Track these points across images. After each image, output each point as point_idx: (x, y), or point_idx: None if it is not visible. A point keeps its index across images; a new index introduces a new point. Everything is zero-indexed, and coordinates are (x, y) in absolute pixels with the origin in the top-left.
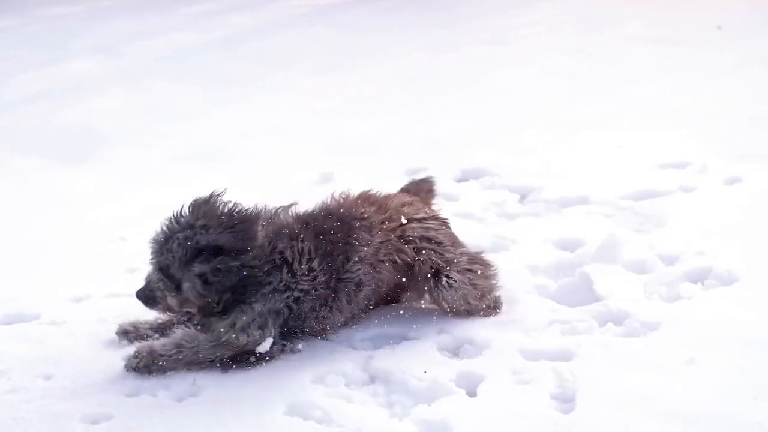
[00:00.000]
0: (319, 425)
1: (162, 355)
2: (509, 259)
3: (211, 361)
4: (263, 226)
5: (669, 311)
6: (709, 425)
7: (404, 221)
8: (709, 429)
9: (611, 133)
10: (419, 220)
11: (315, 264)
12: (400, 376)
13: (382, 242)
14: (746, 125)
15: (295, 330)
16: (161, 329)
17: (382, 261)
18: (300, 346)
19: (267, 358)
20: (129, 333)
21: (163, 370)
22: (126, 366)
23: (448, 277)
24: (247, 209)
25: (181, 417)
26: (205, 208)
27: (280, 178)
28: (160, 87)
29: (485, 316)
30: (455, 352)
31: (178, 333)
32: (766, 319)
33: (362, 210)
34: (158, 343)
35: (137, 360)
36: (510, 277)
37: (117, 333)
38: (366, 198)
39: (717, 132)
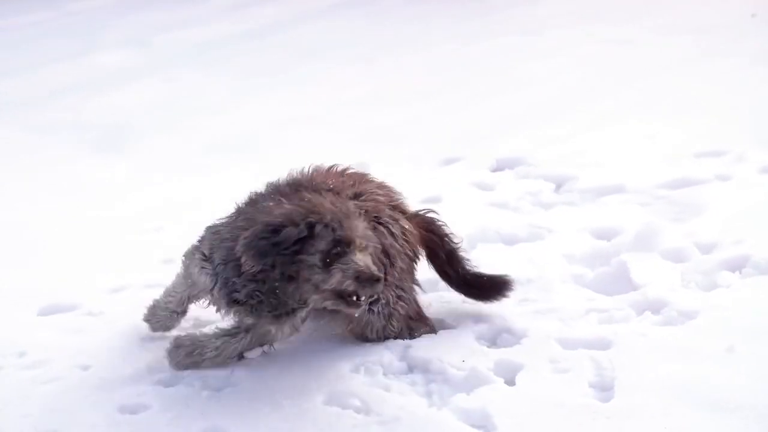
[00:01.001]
0: (358, 414)
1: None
2: (545, 248)
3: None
4: None
5: (706, 300)
6: (747, 414)
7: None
8: (747, 418)
9: (647, 122)
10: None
11: None
12: (438, 365)
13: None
14: None
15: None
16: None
17: None
18: None
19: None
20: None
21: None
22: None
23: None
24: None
25: (218, 407)
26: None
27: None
28: (190, 78)
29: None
30: (493, 341)
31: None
32: None
33: (330, 182)
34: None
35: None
36: (546, 266)
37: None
38: (340, 173)
39: (753, 120)
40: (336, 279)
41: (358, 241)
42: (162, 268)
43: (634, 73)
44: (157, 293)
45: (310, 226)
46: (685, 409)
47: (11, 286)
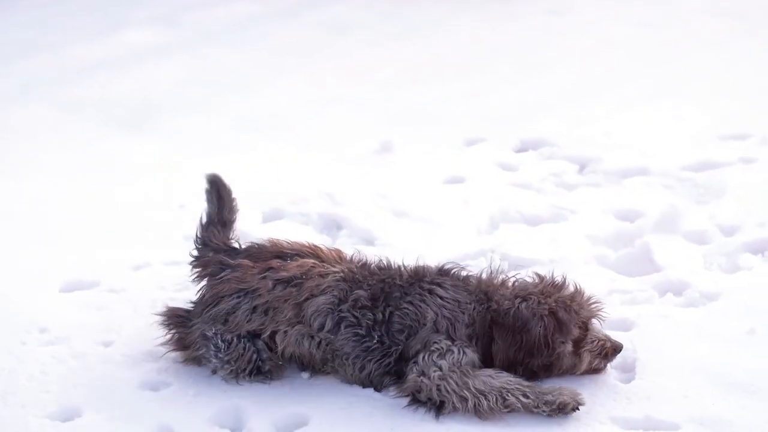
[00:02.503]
0: None
1: None
2: (568, 229)
3: None
4: None
5: (729, 282)
6: None
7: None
8: (767, 400)
9: (671, 104)
10: None
11: None
12: None
13: None
14: None
15: None
16: None
17: None
18: None
19: None
20: None
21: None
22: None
23: None
24: None
25: (239, 386)
26: None
27: (340, 148)
28: (219, 56)
29: None
30: None
31: None
32: None
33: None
34: None
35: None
36: (569, 247)
37: None
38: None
39: None
40: (586, 362)
41: (592, 315)
42: (183, 245)
43: (660, 56)
44: (178, 271)
45: (554, 313)
46: (705, 391)
47: (33, 262)
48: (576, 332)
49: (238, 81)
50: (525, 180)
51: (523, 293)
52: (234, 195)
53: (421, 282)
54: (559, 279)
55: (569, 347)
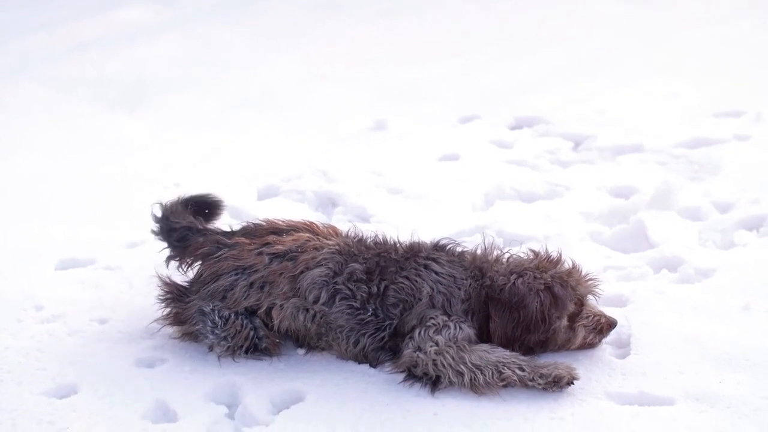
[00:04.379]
0: None
1: None
2: (563, 205)
3: None
4: None
5: (723, 258)
6: (763, 371)
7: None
8: (762, 374)
9: (665, 82)
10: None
11: None
12: None
13: None
14: None
15: None
16: None
17: None
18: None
19: None
20: None
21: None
22: None
23: None
24: None
25: (233, 362)
26: None
27: (334, 125)
28: (213, 35)
29: None
30: None
31: None
32: None
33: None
34: None
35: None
36: (564, 223)
37: None
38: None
39: None
40: (581, 336)
41: (589, 291)
42: None
43: (654, 34)
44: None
45: (550, 289)
46: (700, 366)
47: (28, 240)
48: (571, 307)
49: (231, 59)
50: (520, 157)
51: (519, 269)
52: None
53: (417, 257)
54: (554, 255)
55: (564, 322)
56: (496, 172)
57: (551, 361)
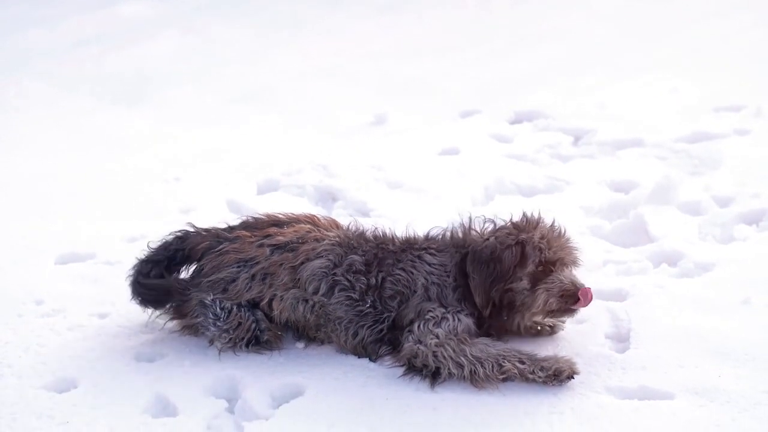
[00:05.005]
0: None
1: None
2: (563, 200)
3: None
4: None
5: (723, 252)
6: (763, 365)
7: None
8: (762, 368)
9: (665, 76)
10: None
11: None
12: None
13: None
14: None
15: None
16: None
17: None
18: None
19: None
20: None
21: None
22: None
23: None
24: None
25: (233, 356)
26: None
27: (334, 120)
28: (213, 30)
29: None
30: None
31: None
32: None
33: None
34: None
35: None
36: (564, 218)
37: None
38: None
39: None
40: (541, 300)
41: (565, 258)
42: (179, 218)
43: (654, 29)
44: None
45: (522, 245)
46: (700, 360)
47: (29, 235)
48: (531, 267)
49: (232, 55)
50: (520, 151)
51: (495, 232)
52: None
53: (412, 249)
54: (536, 217)
55: (525, 284)
56: (496, 166)
57: (552, 355)
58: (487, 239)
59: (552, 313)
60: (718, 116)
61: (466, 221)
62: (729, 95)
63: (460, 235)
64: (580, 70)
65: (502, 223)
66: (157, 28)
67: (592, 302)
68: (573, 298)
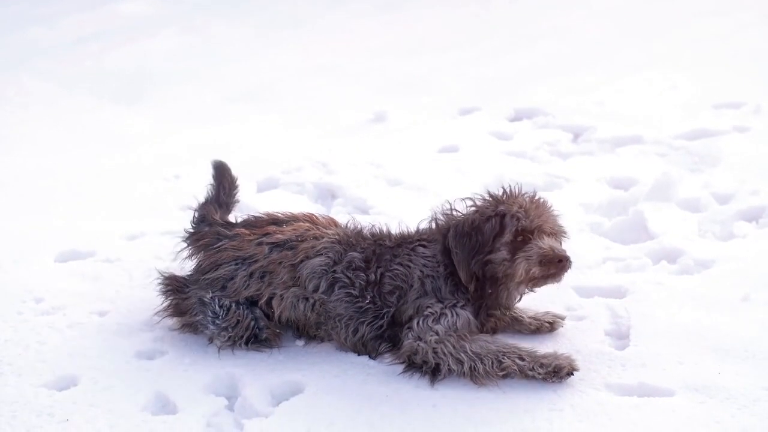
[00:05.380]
0: None
1: None
2: (563, 197)
3: None
4: None
5: (723, 249)
6: (762, 362)
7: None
8: (761, 365)
9: (664, 73)
10: None
11: None
12: None
13: None
14: None
15: None
16: None
17: None
18: None
19: None
20: None
21: None
22: None
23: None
24: None
25: (232, 354)
26: None
27: (334, 118)
28: (212, 28)
29: None
30: None
31: None
32: None
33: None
34: None
35: None
36: (564, 215)
37: None
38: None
39: None
40: (522, 268)
41: (544, 226)
42: (178, 216)
43: (652, 26)
44: (173, 240)
45: (501, 216)
46: (699, 357)
47: (28, 232)
48: (509, 237)
49: (231, 52)
50: (519, 149)
51: (475, 207)
52: (237, 183)
53: (407, 243)
54: (516, 189)
55: (504, 254)
56: (496, 163)
57: (551, 352)
58: (467, 214)
59: (535, 281)
60: (718, 113)
61: (447, 206)
62: (728, 92)
63: (444, 220)
64: (580, 68)
65: (482, 199)
66: (157, 27)
67: (571, 266)
68: (553, 263)
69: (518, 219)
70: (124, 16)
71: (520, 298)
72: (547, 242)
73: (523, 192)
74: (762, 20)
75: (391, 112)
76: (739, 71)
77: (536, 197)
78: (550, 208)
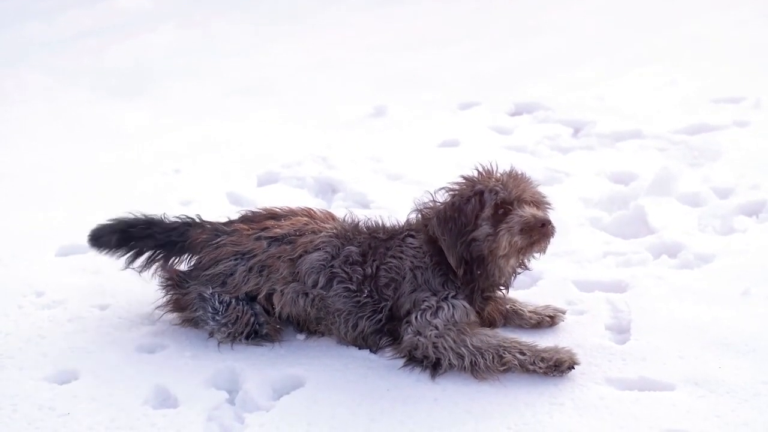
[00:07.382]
0: None
1: None
2: (563, 191)
3: None
4: None
5: (723, 244)
6: (762, 356)
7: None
8: (762, 359)
9: (664, 68)
10: None
11: None
12: None
13: None
14: None
15: None
16: None
17: None
18: None
19: None
20: None
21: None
22: None
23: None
24: None
25: (232, 349)
26: None
27: (333, 112)
28: (212, 23)
29: None
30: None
31: None
32: None
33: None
34: None
35: None
36: (564, 209)
37: None
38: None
39: None
40: (505, 240)
41: (524, 196)
42: (179, 210)
43: (652, 21)
44: None
45: (480, 194)
46: (699, 352)
47: (29, 227)
48: (489, 212)
49: (231, 47)
50: (519, 143)
51: (453, 191)
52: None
53: (397, 235)
54: (492, 166)
55: (486, 229)
56: (496, 158)
57: (552, 346)
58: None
59: (522, 250)
60: (718, 108)
61: (428, 197)
62: (728, 87)
63: (426, 210)
64: (580, 62)
65: (459, 183)
66: (156, 21)
67: (554, 231)
68: (536, 229)
69: (496, 192)
70: (123, 11)
71: (515, 276)
72: (528, 210)
73: (499, 168)
74: (761, 15)
75: (391, 107)
76: (738, 66)
77: (513, 171)
78: (528, 179)
